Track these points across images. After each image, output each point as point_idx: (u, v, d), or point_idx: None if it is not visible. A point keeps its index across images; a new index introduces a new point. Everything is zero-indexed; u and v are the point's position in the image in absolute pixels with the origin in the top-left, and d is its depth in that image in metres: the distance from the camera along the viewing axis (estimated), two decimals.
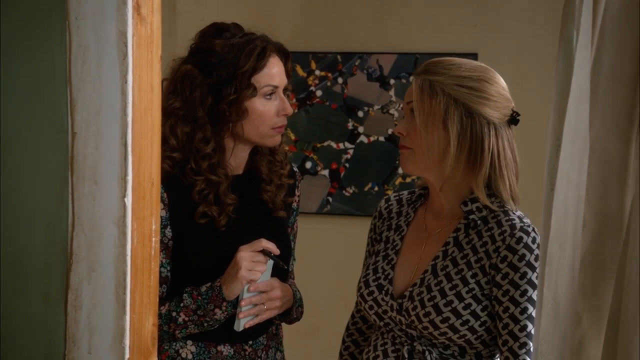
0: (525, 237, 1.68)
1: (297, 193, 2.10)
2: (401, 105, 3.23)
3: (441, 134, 1.70)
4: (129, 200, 1.46)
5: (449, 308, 1.69)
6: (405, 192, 1.95)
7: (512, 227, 1.69)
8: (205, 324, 1.88)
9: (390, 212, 1.92)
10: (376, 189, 3.51)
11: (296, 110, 3.51)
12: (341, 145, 3.52)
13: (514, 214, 1.73)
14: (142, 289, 1.53)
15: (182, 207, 1.90)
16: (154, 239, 1.58)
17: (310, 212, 3.55)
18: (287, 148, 2.09)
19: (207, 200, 1.90)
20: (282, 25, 3.48)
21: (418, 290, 1.75)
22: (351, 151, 3.51)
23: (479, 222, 1.74)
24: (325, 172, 3.54)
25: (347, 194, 3.53)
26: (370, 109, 3.48)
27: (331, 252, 3.58)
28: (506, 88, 1.77)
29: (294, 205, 2.10)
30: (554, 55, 3.40)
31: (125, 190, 1.45)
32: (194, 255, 1.90)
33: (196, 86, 1.89)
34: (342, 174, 3.53)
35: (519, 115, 1.78)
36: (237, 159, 1.97)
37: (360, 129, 3.50)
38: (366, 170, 3.50)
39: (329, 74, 3.49)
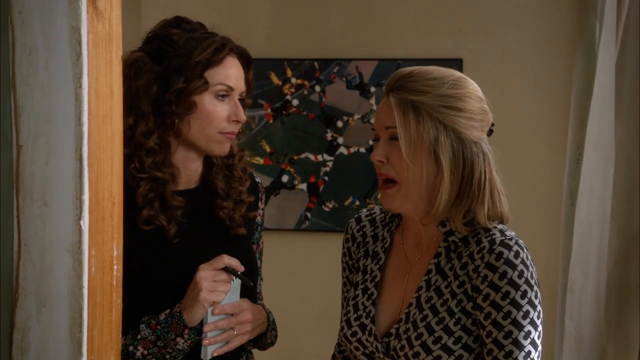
0: (505, 252, 1.55)
1: (260, 206, 1.99)
2: None
3: (430, 164, 1.58)
4: (85, 223, 1.33)
5: (439, 345, 1.57)
6: (377, 210, 1.81)
7: (492, 242, 1.57)
8: (168, 356, 1.75)
9: (364, 235, 1.79)
10: (357, 203, 3.44)
11: (271, 121, 3.46)
12: (320, 157, 3.44)
13: (495, 228, 1.61)
14: (102, 325, 1.40)
15: (127, 215, 1.74)
16: (115, 266, 1.45)
17: (288, 229, 3.46)
18: (247, 160, 1.97)
19: (153, 207, 1.78)
20: (255, 30, 3.43)
21: (404, 327, 1.62)
22: (330, 163, 3.43)
23: (459, 243, 1.62)
24: (303, 186, 3.45)
25: (326, 208, 3.44)
26: (350, 118, 3.41)
27: (310, 271, 3.50)
28: (482, 96, 1.65)
29: (258, 219, 1.99)
30: (543, 60, 3.28)
31: (80, 211, 1.32)
32: (145, 271, 1.77)
33: (143, 73, 1.78)
34: (321, 188, 3.44)
35: (493, 125, 1.66)
36: (188, 170, 1.86)
37: (340, 140, 3.43)
38: (346, 183, 3.41)
39: (306, 82, 3.42)
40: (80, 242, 1.31)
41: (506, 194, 1.64)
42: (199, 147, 1.82)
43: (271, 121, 3.42)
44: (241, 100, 1.85)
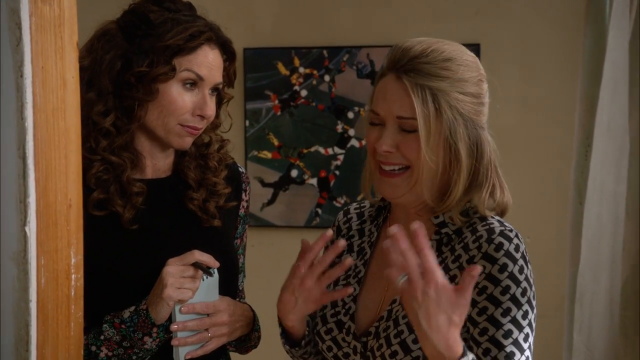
0: (506, 243, 1.43)
1: (244, 198, 1.87)
2: None
3: (446, 155, 1.48)
4: (31, 228, 1.21)
5: (419, 345, 1.43)
6: (367, 204, 1.69)
7: (490, 231, 1.45)
8: (134, 357, 1.64)
9: (349, 228, 1.67)
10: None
11: (279, 113, 3.35)
12: (330, 151, 3.33)
13: (492, 217, 1.49)
14: (57, 342, 1.28)
15: None
16: (74, 275, 1.33)
17: (298, 226, 3.36)
18: (222, 151, 1.83)
19: (108, 190, 1.66)
20: (261, 18, 3.33)
21: (384, 325, 1.50)
22: (341, 157, 3.32)
23: (453, 236, 1.50)
24: (313, 181, 3.35)
25: (338, 204, 3.34)
26: (362, 109, 3.31)
27: None
28: (482, 70, 1.53)
29: (241, 212, 1.86)
30: (566, 44, 3.13)
31: (25, 216, 1.20)
32: (99, 260, 1.63)
33: (110, 48, 1.66)
34: (331, 183, 3.34)
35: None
36: (155, 158, 1.74)
37: (351, 132, 3.32)
38: (359, 177, 3.15)
39: (315, 72, 3.31)
40: (25, 250, 1.19)
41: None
42: (157, 136, 1.70)
43: (279, 113, 3.32)
44: (218, 93, 1.72)
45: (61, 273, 1.27)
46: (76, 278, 1.31)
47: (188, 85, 1.65)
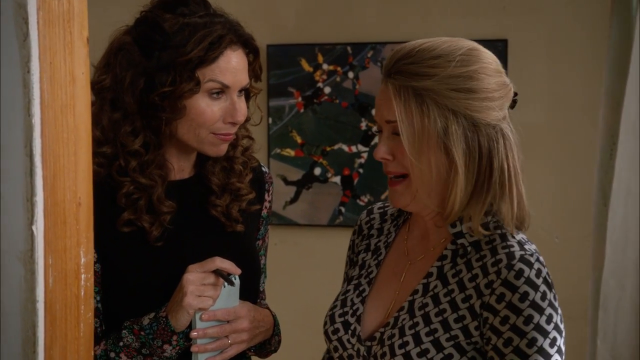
0: (526, 269, 1.37)
1: (267, 198, 1.82)
2: None
3: (441, 159, 1.40)
4: (38, 228, 1.18)
5: (424, 359, 1.40)
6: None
7: (510, 256, 1.38)
8: None
9: (370, 227, 1.64)
10: None
11: (302, 110, 3.31)
12: (354, 149, 3.28)
13: (513, 238, 1.42)
14: (66, 343, 1.26)
15: (104, 215, 1.60)
16: (83, 275, 1.29)
17: (321, 225, 3.33)
18: (248, 153, 1.78)
19: (137, 207, 1.62)
20: (284, 14, 3.29)
21: (390, 333, 1.46)
22: (365, 155, 3.27)
23: (469, 248, 1.44)
24: (337, 179, 3.31)
25: (361, 203, 3.29)
26: None
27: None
28: (501, 68, 1.45)
29: (264, 213, 1.82)
30: (596, 40, 3.06)
31: (32, 215, 1.17)
32: (123, 279, 1.63)
33: (130, 65, 1.60)
34: (355, 181, 3.29)
35: (517, 95, 1.47)
36: (180, 160, 1.69)
37: (375, 129, 3.16)
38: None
39: (339, 68, 3.26)
40: (32, 249, 1.16)
41: (526, 193, 1.43)
42: (190, 147, 1.66)
43: (302, 110, 3.28)
44: (246, 92, 1.66)
45: (70, 273, 1.24)
46: (86, 278, 1.27)
47: (215, 95, 1.59)
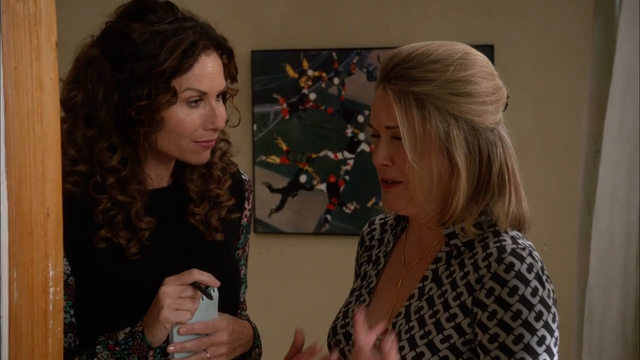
0: (517, 263, 1.35)
1: (247, 207, 1.78)
2: None
3: (442, 163, 1.41)
4: (2, 240, 1.15)
5: None
6: (393, 213, 1.67)
7: (501, 249, 1.38)
8: None
9: (372, 238, 1.65)
10: (381, 204, 3.15)
11: (287, 117, 3.30)
12: (339, 155, 3.27)
13: (506, 233, 1.42)
14: (33, 359, 1.22)
15: (80, 230, 1.58)
16: (52, 289, 1.26)
17: (307, 233, 3.30)
18: (225, 158, 1.74)
19: (114, 223, 1.59)
20: (269, 20, 3.27)
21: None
22: (351, 161, 3.26)
23: (462, 248, 1.44)
24: (323, 187, 3.29)
25: (348, 210, 3.28)
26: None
27: (331, 278, 3.31)
28: (494, 70, 1.46)
29: (244, 222, 1.78)
30: (584, 44, 3.02)
31: None
32: (98, 293, 1.59)
33: (101, 79, 1.55)
34: (341, 188, 3.28)
35: (508, 97, 1.48)
36: (158, 169, 1.66)
37: (361, 136, 3.26)
38: (369, 183, 3.24)
39: (324, 74, 3.25)
40: None
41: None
42: (172, 157, 1.63)
43: (287, 117, 3.27)
44: (224, 95, 1.63)
45: (37, 286, 1.20)
46: (55, 291, 1.24)
47: (193, 103, 1.56)
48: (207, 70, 1.55)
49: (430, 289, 1.45)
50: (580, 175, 1.09)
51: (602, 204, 1.06)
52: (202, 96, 1.56)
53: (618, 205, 1.06)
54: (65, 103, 1.56)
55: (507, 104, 1.47)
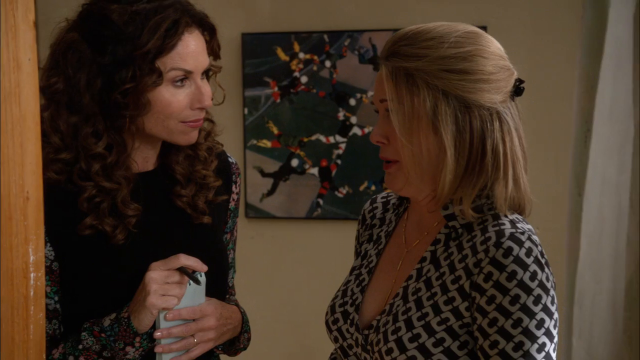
0: (515, 247, 1.35)
1: (234, 190, 1.76)
2: None
3: (431, 139, 1.41)
4: None
5: (415, 344, 1.39)
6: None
7: (499, 234, 1.37)
8: None
9: (373, 217, 1.65)
10: (373, 188, 3.23)
11: (278, 101, 3.25)
12: (331, 139, 3.22)
13: (505, 217, 1.41)
14: (13, 346, 1.20)
15: (64, 217, 1.55)
16: (33, 274, 1.23)
17: (299, 217, 3.27)
18: (210, 138, 1.72)
19: (99, 211, 1.56)
20: (260, 2, 3.21)
21: (385, 320, 1.46)
22: (343, 145, 3.22)
23: (460, 230, 1.43)
24: (314, 171, 3.25)
25: (340, 194, 3.24)
26: (364, 95, 3.19)
27: (324, 262, 3.30)
28: (503, 53, 1.46)
29: (232, 205, 1.76)
30: (577, 22, 2.97)
31: None
32: (83, 278, 1.57)
33: (83, 64, 1.52)
34: (333, 172, 3.24)
35: (522, 82, 1.46)
36: (145, 153, 1.63)
37: (353, 120, 3.21)
38: (361, 166, 3.20)
39: (315, 57, 3.20)
40: None
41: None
42: (160, 138, 1.60)
43: (278, 100, 3.22)
44: (207, 74, 1.61)
45: (17, 272, 1.18)
46: (36, 277, 1.22)
47: (178, 83, 1.54)
48: (191, 48, 1.53)
49: (428, 271, 1.44)
50: (571, 156, 1.06)
51: (593, 185, 1.03)
52: (187, 75, 1.54)
53: (608, 186, 1.03)
54: (46, 90, 1.52)
55: (521, 89, 1.45)
